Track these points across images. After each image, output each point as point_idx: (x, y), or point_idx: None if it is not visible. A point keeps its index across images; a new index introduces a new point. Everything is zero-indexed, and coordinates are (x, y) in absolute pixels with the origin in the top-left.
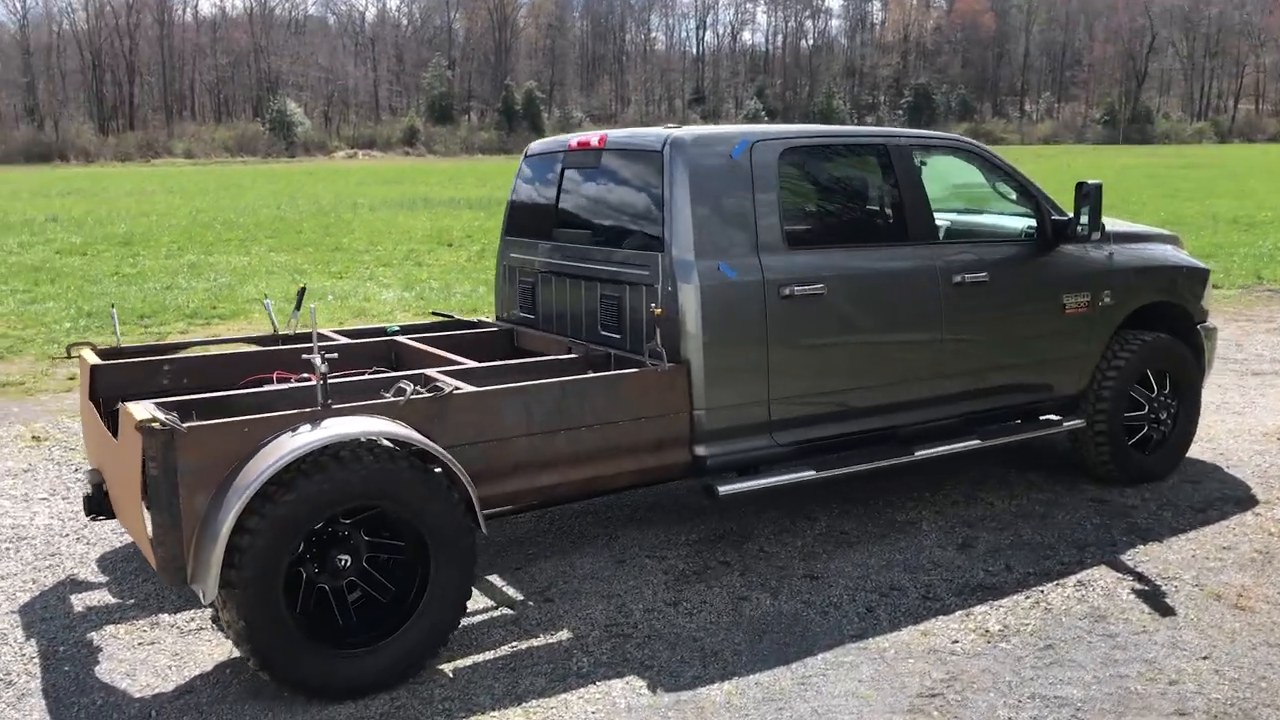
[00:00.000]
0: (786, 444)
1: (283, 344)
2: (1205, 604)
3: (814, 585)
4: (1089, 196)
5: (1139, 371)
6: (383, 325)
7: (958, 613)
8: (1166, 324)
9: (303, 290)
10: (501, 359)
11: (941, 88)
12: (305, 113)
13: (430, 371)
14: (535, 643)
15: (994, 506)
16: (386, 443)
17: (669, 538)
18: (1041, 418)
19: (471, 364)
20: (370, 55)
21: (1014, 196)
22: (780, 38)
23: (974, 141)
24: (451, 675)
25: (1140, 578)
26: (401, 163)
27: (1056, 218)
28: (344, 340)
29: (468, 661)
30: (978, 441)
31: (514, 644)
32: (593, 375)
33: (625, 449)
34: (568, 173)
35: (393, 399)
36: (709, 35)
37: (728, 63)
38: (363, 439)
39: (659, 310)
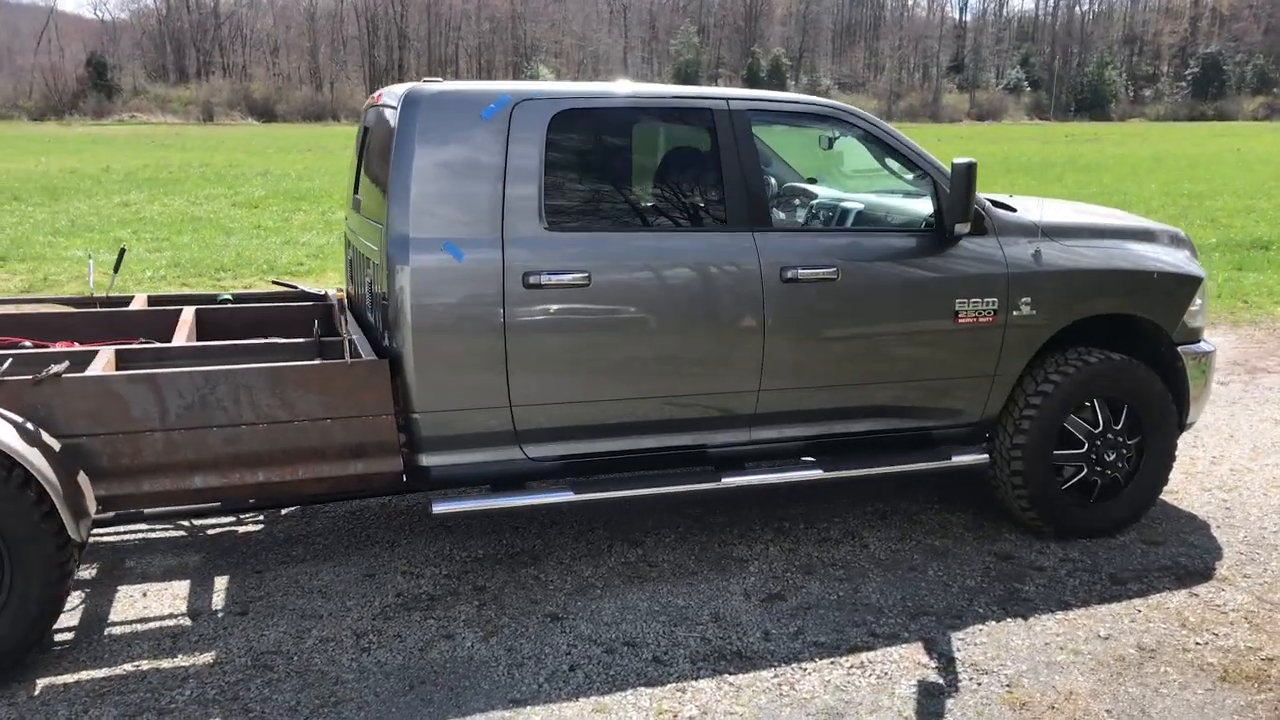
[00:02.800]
0: (543, 459)
1: (100, 306)
2: (994, 713)
3: (544, 628)
4: (958, 179)
5: (1077, 400)
6: (213, 294)
7: (669, 686)
8: (1143, 343)
9: (122, 252)
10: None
11: (1235, 57)
12: (557, 78)
13: (96, 349)
14: (163, 665)
15: (865, 550)
16: None
17: (450, 551)
18: (942, 448)
19: (175, 343)
20: (623, 22)
21: (909, 177)
22: (1052, 2)
23: (852, 109)
24: (32, 696)
25: (946, 666)
26: None
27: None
28: (139, 308)
29: (69, 679)
30: (819, 472)
31: (140, 663)
32: (251, 366)
33: (310, 453)
34: (369, 131)
35: None
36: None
37: (992, 30)
38: None
39: (340, 293)
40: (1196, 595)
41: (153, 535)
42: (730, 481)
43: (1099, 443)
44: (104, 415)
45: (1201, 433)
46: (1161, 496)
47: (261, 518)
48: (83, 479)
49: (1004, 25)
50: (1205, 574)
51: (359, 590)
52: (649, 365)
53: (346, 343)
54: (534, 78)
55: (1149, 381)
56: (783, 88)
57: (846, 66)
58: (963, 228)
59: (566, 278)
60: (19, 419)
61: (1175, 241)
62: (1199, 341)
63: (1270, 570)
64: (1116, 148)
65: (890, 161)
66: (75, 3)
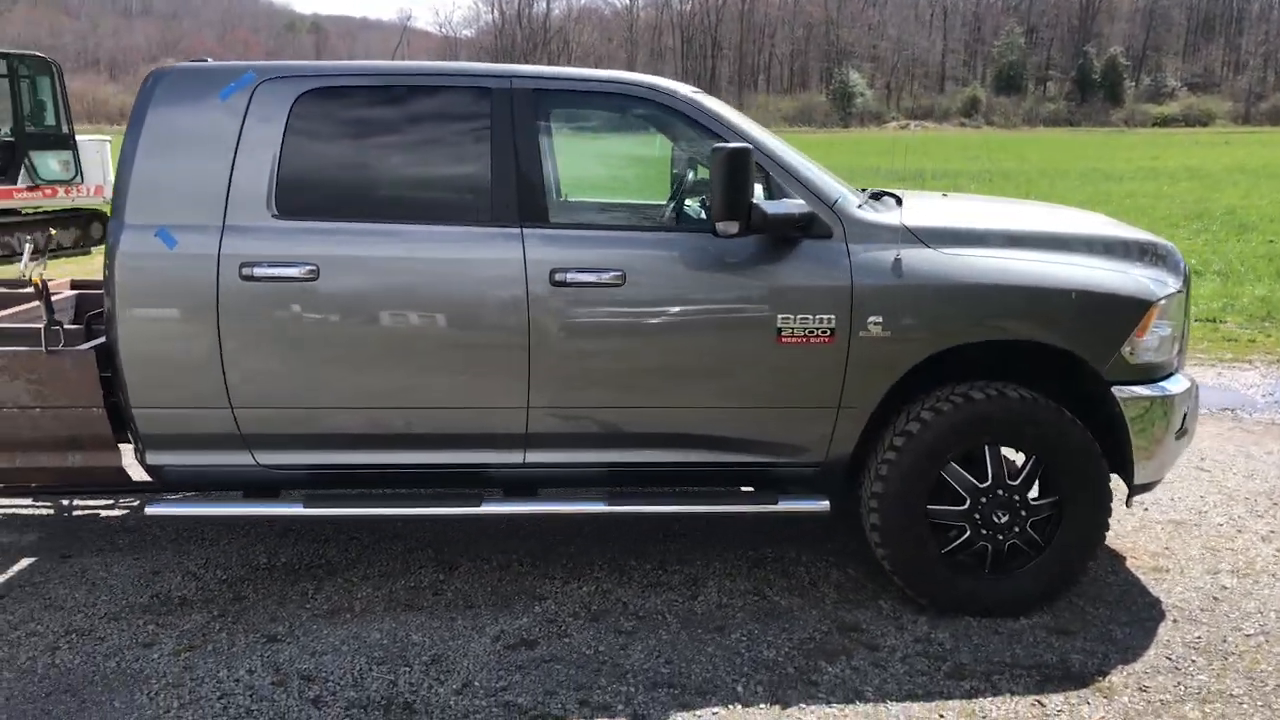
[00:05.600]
0: (280, 467)
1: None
2: None
3: (245, 649)
4: (717, 169)
5: (958, 445)
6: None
7: None
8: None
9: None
10: None
11: None
12: (868, 83)
13: None
14: None
15: (691, 601)
16: None
17: (256, 556)
18: (773, 490)
19: None
20: (943, 24)
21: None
22: None
23: (668, 86)
24: None
25: None
26: (947, 133)
27: (783, 202)
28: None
29: None
30: (602, 506)
31: None
32: None
33: (25, 442)
34: None
35: None
36: None
37: None
38: None
39: (34, 277)
40: (1043, 706)
41: (21, 510)
42: (491, 509)
43: (984, 500)
44: None
45: None
46: (1150, 573)
47: (136, 501)
48: None
49: None
50: (1086, 680)
51: (125, 586)
52: (392, 373)
53: (44, 331)
54: (843, 83)
55: (1064, 428)
56: (1117, 89)
57: (1199, 65)
58: (727, 227)
59: (289, 270)
60: None
61: (1144, 256)
62: (1159, 380)
63: (1187, 684)
64: None
65: None
66: (426, 22)
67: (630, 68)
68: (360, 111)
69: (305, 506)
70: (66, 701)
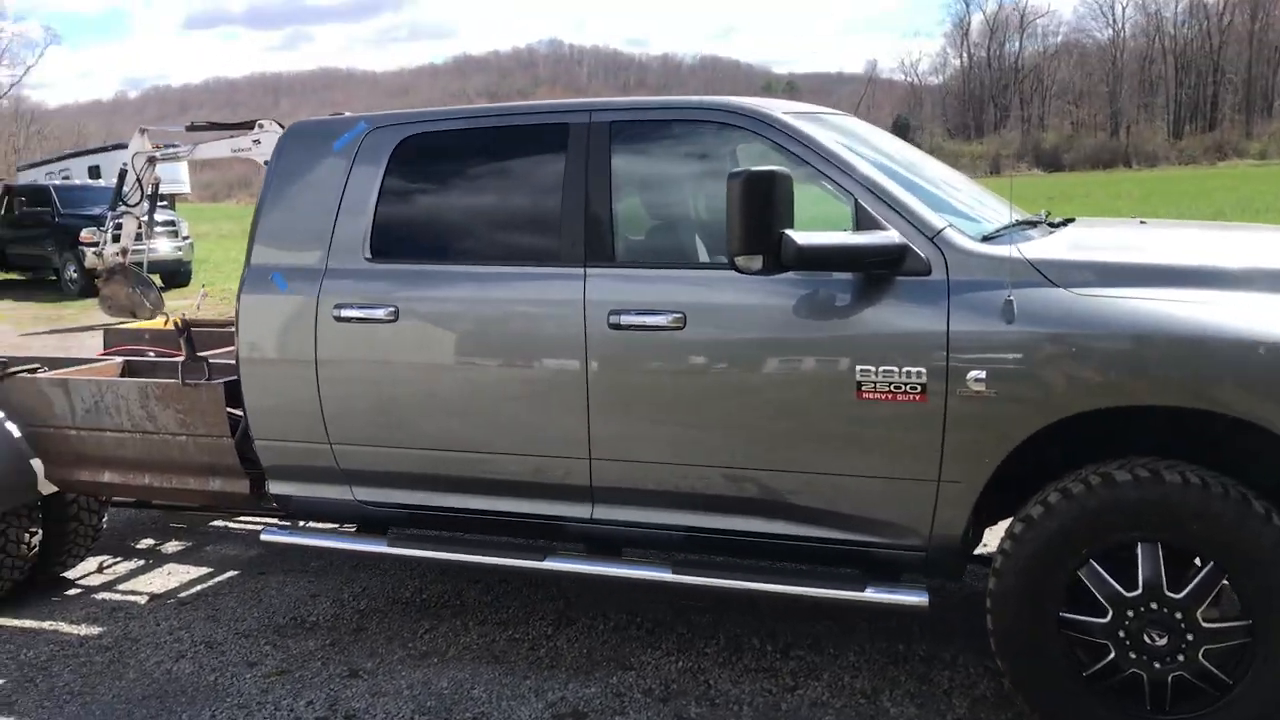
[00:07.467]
0: (374, 504)
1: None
2: None
3: (319, 681)
4: (733, 197)
5: (1096, 540)
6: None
7: None
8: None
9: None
10: None
11: None
12: None
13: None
14: (59, 628)
15: (782, 696)
16: None
17: (405, 590)
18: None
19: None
20: None
21: (842, 200)
22: None
23: (757, 109)
24: None
25: None
26: None
27: (841, 234)
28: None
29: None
30: (667, 574)
31: (49, 623)
32: (128, 380)
33: (176, 465)
34: None
35: None
36: None
37: None
38: None
39: (175, 317)
40: None
41: (256, 525)
42: (551, 565)
43: (1132, 613)
44: (38, 411)
45: None
46: None
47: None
48: (34, 461)
49: None
50: None
51: (281, 606)
52: (466, 417)
53: (182, 365)
54: None
55: (1249, 525)
56: None
57: None
58: (749, 262)
59: (373, 312)
60: None
61: None
62: None
63: None
64: None
65: (822, 182)
66: (890, 69)
67: (1113, 101)
68: (449, 153)
69: (389, 546)
70: (151, 706)
